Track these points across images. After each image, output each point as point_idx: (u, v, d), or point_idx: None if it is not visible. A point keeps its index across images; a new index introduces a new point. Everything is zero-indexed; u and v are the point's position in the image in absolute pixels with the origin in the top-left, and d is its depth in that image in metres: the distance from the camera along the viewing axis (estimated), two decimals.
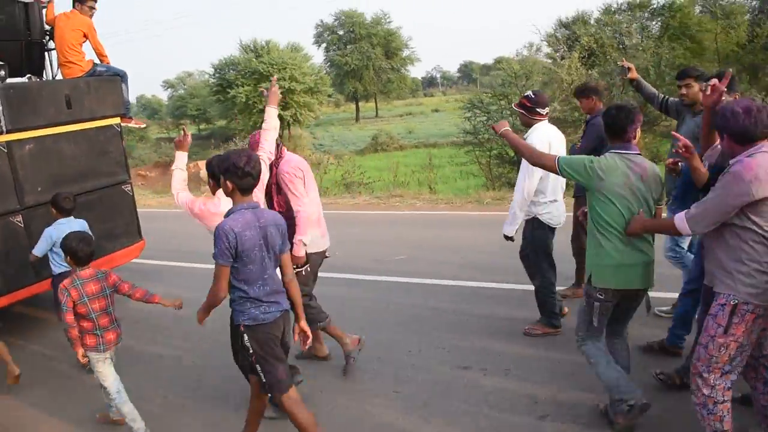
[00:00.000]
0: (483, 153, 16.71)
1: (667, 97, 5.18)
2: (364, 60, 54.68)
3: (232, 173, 3.14)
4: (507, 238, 4.79)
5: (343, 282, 6.51)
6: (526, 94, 4.91)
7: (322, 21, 58.35)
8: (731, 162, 2.94)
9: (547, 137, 4.70)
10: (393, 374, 4.46)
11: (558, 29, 35.55)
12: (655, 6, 30.98)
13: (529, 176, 4.58)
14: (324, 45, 58.52)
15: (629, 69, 5.19)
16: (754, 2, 31.68)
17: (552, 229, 4.84)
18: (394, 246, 7.95)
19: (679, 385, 3.80)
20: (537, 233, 4.79)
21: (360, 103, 59.16)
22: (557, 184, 4.78)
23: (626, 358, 3.73)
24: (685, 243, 4.73)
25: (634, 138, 3.42)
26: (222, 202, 3.82)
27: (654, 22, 31.14)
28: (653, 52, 19.46)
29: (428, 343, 4.92)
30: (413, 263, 7.11)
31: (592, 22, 33.78)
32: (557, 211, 4.81)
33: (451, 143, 35.44)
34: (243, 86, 36.76)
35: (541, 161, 3.58)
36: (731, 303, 2.92)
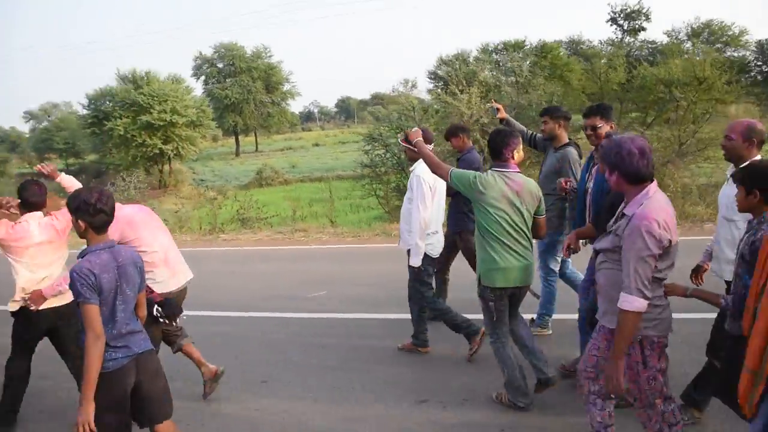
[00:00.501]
0: (381, 185, 17.24)
1: (534, 133, 5.71)
2: (244, 93, 54.31)
3: (83, 211, 2.96)
4: (416, 269, 4.99)
5: (264, 321, 6.49)
6: (413, 130, 5.01)
7: (200, 53, 57.42)
8: (627, 211, 3.02)
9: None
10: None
11: (439, 66, 37.58)
12: (527, 47, 33.64)
13: (423, 208, 4.84)
14: (203, 78, 57.55)
15: (498, 109, 5.71)
16: (610, 48, 35.40)
17: (432, 260, 5.12)
18: (309, 281, 7.98)
19: None
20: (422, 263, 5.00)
21: (239, 138, 58.56)
22: (439, 216, 5.15)
23: (527, 329, 4.27)
24: (557, 265, 5.25)
25: (512, 158, 3.96)
26: (31, 225, 4.05)
27: (527, 63, 33.69)
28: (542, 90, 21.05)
29: (373, 380, 4.81)
30: (333, 298, 7.15)
31: (471, 59, 35.96)
32: (438, 242, 5.13)
33: (336, 177, 36.05)
34: (121, 118, 35.19)
35: (440, 171, 4.03)
36: (636, 339, 3.02)
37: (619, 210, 3.12)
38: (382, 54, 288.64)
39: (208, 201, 15.81)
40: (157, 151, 35.24)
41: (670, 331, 3.09)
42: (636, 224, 2.90)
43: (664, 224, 2.89)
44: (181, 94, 36.28)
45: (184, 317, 4.48)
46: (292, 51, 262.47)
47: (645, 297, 2.92)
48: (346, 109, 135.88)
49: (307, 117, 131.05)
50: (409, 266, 5.06)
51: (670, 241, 2.92)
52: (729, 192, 3.55)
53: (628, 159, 2.96)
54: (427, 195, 4.87)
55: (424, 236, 4.90)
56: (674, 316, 3.15)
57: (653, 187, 3.00)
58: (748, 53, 42.46)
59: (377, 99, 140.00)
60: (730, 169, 3.76)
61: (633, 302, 2.90)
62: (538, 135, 5.62)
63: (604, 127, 4.35)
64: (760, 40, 42.20)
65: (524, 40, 34.06)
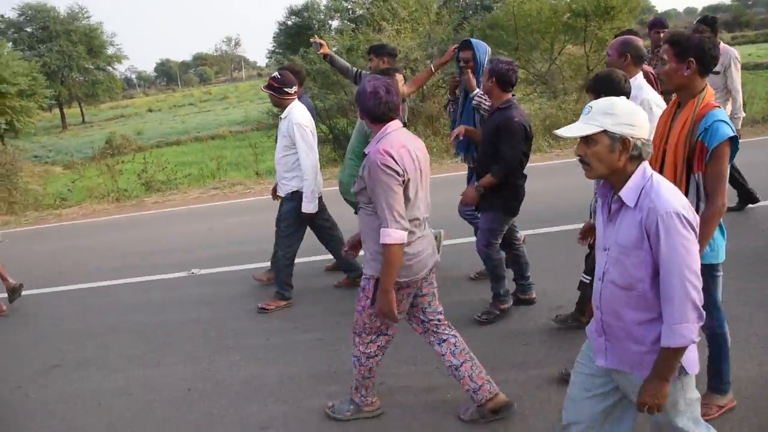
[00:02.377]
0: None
1: (359, 70, 5.91)
2: (65, 60, 49.23)
3: None
4: (309, 215, 5.09)
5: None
6: (273, 74, 5.11)
7: (2, 16, 50.94)
8: (366, 150, 3.18)
9: (308, 114, 5.10)
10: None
11: (289, 17, 36.65)
12: None
13: (312, 151, 4.96)
14: (10, 45, 51.10)
15: (321, 45, 5.78)
16: None
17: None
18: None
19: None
20: (298, 205, 5.05)
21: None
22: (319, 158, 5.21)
23: None
24: None
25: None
26: None
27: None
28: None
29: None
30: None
31: (322, 7, 35.52)
32: (319, 184, 5.17)
33: (193, 138, 34.47)
34: None
35: None
36: (375, 277, 3.14)
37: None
38: (199, 12, 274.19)
39: (102, 167, 14.42)
40: None
41: (413, 277, 3.20)
42: (372, 159, 3.03)
43: (400, 159, 3.01)
44: (6, 60, 31.95)
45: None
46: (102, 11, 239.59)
47: (402, 227, 3.01)
48: (167, 73, 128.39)
49: (126, 84, 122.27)
50: (282, 207, 5.25)
51: (408, 179, 3.04)
52: None
53: (363, 98, 3.12)
54: (311, 139, 4.96)
55: (316, 181, 5.01)
56: None
57: (393, 125, 3.13)
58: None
59: (200, 60, 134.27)
60: None
61: (392, 234, 2.99)
62: (364, 72, 5.81)
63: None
64: None
65: None
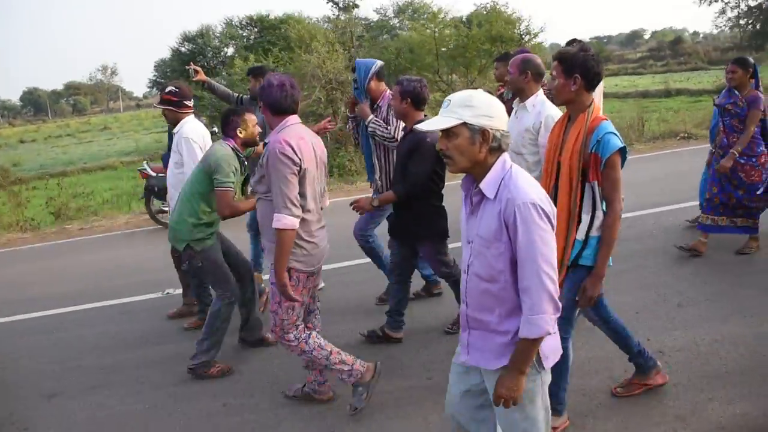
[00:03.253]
0: None
1: (241, 95, 5.97)
2: None
3: None
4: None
5: None
6: (168, 89, 4.95)
7: None
8: (267, 140, 3.34)
9: (201, 129, 4.94)
10: None
11: (182, 44, 35.80)
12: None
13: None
14: None
15: (196, 72, 5.70)
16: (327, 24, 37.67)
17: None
18: None
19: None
20: None
21: None
22: None
23: None
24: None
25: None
26: None
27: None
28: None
29: None
30: None
31: (217, 33, 35.02)
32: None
33: (80, 170, 32.58)
34: None
35: None
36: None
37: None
38: (70, 40, 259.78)
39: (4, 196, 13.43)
40: None
41: (316, 266, 3.49)
42: (271, 148, 3.21)
43: (298, 149, 3.21)
44: None
45: None
46: None
47: (294, 214, 3.16)
48: (35, 102, 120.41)
49: None
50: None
51: (305, 169, 3.24)
52: (512, 125, 3.89)
53: (268, 90, 3.29)
54: (198, 155, 4.67)
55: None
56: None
57: (293, 119, 3.35)
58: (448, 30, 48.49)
59: (73, 89, 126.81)
60: (516, 103, 4.17)
61: (283, 220, 3.14)
62: (245, 96, 5.90)
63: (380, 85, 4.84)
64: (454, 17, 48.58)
65: (268, 15, 34.23)
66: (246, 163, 4.45)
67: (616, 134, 2.98)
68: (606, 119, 3.06)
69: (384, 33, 36.92)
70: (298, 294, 3.36)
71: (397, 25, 39.91)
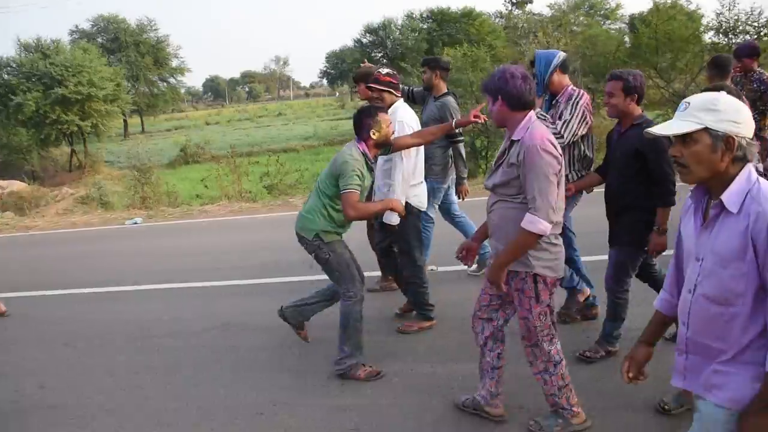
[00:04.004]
0: None
1: (411, 87, 5.76)
2: (134, 70, 50.33)
3: None
4: (389, 227, 4.55)
5: None
6: (385, 71, 4.72)
7: (77, 26, 52.43)
8: (515, 137, 3.01)
9: (412, 115, 4.72)
10: None
11: (364, 35, 37.21)
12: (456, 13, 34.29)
13: (405, 157, 4.43)
14: None
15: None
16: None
17: (419, 214, 4.76)
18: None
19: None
20: (409, 219, 4.49)
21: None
22: (422, 165, 4.72)
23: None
24: (434, 212, 5.18)
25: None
26: None
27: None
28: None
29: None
30: None
31: (398, 25, 35.96)
32: (423, 193, 4.74)
33: (266, 150, 34.80)
34: (30, 92, 30.18)
35: None
36: (531, 274, 3.04)
37: (504, 142, 3.15)
38: (248, 32, 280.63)
39: (226, 168, 14.45)
40: (75, 128, 31.41)
41: (561, 272, 3.15)
42: (531, 144, 2.90)
43: (557, 145, 2.98)
44: (96, 66, 32.60)
45: None
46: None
47: (551, 220, 2.90)
48: (214, 89, 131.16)
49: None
50: (383, 227, 4.62)
51: (560, 168, 2.97)
52: None
53: (512, 82, 2.96)
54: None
55: (406, 190, 4.47)
56: None
57: (534, 115, 3.04)
58: (623, 26, 45.92)
59: (249, 77, 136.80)
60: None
61: (537, 224, 2.88)
62: (416, 88, 5.70)
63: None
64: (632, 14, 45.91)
65: (449, 8, 34.53)
66: (374, 169, 4.21)
67: None
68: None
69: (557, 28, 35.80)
70: (546, 297, 3.11)
71: (572, 20, 38.61)
